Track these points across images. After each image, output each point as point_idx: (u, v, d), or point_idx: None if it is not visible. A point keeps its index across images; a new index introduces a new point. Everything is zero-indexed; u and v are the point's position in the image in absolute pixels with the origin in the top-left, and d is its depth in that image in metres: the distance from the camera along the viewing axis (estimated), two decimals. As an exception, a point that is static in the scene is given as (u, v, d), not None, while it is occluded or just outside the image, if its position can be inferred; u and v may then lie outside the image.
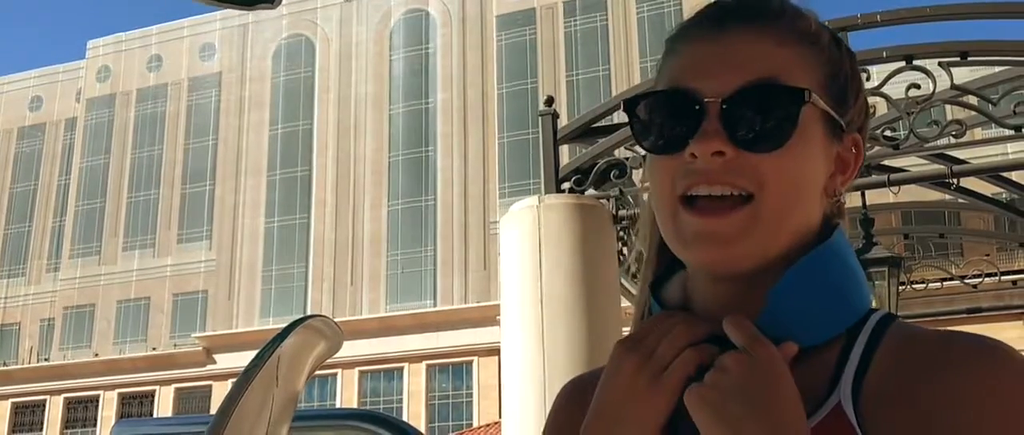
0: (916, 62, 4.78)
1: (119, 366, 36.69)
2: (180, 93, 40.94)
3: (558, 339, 4.43)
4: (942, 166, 6.13)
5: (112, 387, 36.54)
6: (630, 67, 33.90)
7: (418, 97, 37.10)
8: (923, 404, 0.82)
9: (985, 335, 0.86)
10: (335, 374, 32.68)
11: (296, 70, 39.26)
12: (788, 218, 0.90)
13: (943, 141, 5.06)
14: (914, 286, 9.17)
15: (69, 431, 37.37)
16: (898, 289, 7.29)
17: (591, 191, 5.17)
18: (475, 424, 28.66)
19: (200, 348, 35.48)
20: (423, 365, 32.52)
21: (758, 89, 0.90)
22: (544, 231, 4.64)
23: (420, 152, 36.35)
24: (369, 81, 37.89)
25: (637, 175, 5.24)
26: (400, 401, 32.36)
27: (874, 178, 5.93)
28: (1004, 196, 10.25)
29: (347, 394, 32.81)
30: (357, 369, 32.63)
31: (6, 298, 41.49)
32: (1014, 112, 4.89)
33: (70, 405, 37.46)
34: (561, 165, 5.29)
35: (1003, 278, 11.42)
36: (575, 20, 35.66)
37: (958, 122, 5.00)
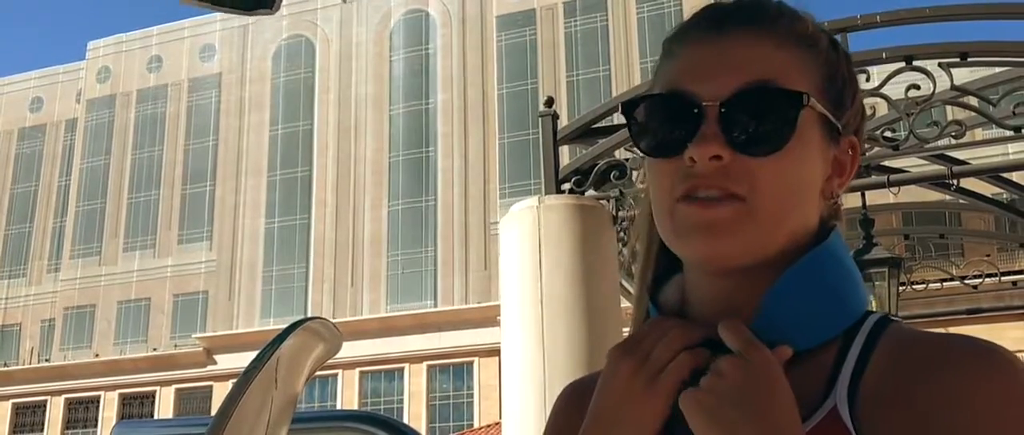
0: (916, 63, 4.78)
1: (120, 367, 36.70)
2: (180, 94, 40.96)
3: (558, 339, 4.43)
4: (942, 167, 6.13)
5: (113, 388, 36.55)
6: (630, 68, 33.89)
7: (418, 97, 37.11)
8: (920, 405, 0.82)
9: (981, 338, 0.87)
10: (336, 375, 32.68)
11: (296, 71, 39.27)
12: (785, 220, 0.90)
13: (943, 142, 5.07)
14: (914, 287, 9.18)
15: (70, 432, 37.38)
16: (898, 290, 7.29)
17: (591, 192, 5.17)
18: (476, 425, 28.66)
19: (200, 349, 35.49)
20: (424, 366, 32.53)
21: (756, 92, 0.89)
22: (544, 232, 4.64)
23: (420, 152, 36.36)
24: (369, 82, 37.90)
25: (637, 176, 5.24)
26: (401, 402, 32.36)
27: (874, 179, 5.93)
28: (1004, 197, 10.26)
29: (348, 394, 32.82)
30: (358, 369, 32.64)
31: (7, 299, 41.51)
32: (1014, 113, 4.89)
33: (71, 406, 37.48)
34: (561, 166, 5.29)
35: (1003, 279, 11.43)
36: (575, 20, 35.65)
37: (958, 123, 5.00)
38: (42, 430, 37.61)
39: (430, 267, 34.60)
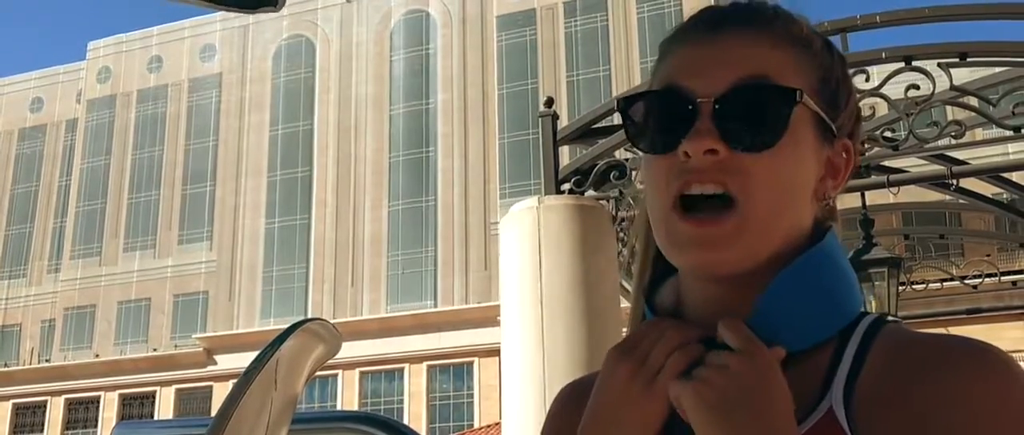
0: (915, 63, 4.78)
1: (120, 367, 36.71)
2: (181, 94, 40.97)
3: (558, 340, 4.43)
4: (942, 167, 6.13)
5: (113, 388, 36.56)
6: (630, 68, 33.90)
7: (418, 98, 37.12)
8: (917, 405, 0.83)
9: (978, 338, 0.87)
10: (336, 375, 32.69)
11: (296, 71, 39.28)
12: (779, 219, 0.91)
13: (943, 142, 5.07)
14: (914, 287, 9.18)
15: (70, 432, 37.39)
16: (898, 290, 7.29)
17: (591, 192, 5.16)
18: (476, 425, 28.67)
19: (201, 349, 35.50)
20: (424, 366, 32.53)
21: (750, 88, 0.90)
22: (544, 232, 4.64)
23: (420, 153, 36.36)
24: (369, 82, 37.91)
25: (637, 176, 5.24)
26: (401, 402, 32.36)
27: (874, 179, 5.93)
28: (1004, 197, 10.26)
29: (348, 395, 32.83)
30: (358, 370, 32.64)
31: (7, 299, 41.53)
32: (1014, 113, 4.89)
33: (71, 406, 37.49)
34: (561, 166, 5.29)
35: (1003, 279, 11.44)
36: (575, 20, 35.67)
37: (958, 123, 5.00)
38: (42, 430, 37.62)
39: (430, 267, 34.61)
